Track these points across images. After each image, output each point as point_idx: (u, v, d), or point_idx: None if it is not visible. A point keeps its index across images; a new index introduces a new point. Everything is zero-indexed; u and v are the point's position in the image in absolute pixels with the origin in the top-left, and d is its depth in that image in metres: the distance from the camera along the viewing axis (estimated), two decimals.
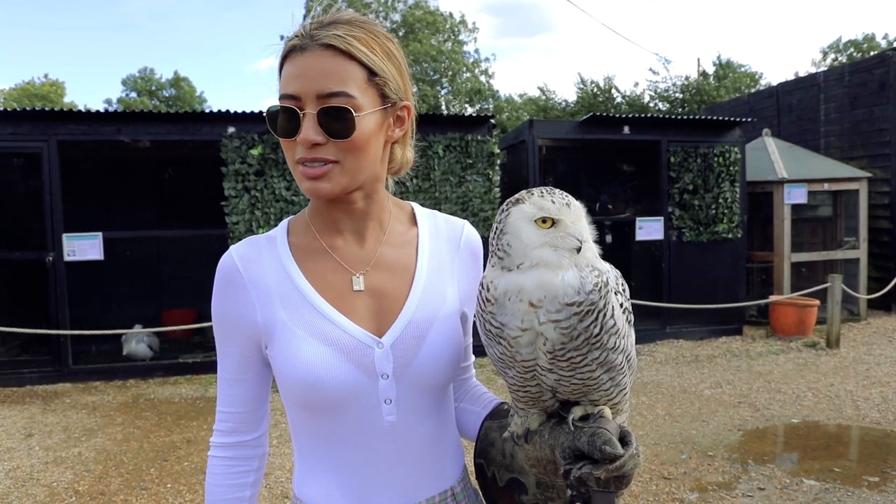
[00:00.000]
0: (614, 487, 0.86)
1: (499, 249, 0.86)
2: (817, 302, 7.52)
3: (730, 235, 7.72)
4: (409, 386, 1.00)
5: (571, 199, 0.86)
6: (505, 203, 0.88)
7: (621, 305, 0.87)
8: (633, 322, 0.92)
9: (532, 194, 0.86)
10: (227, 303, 1.01)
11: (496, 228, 0.87)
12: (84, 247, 6.18)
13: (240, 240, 5.54)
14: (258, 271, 1.00)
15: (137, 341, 6.68)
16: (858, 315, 8.46)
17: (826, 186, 8.36)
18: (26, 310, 6.76)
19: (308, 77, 0.92)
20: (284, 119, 0.94)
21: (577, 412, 0.90)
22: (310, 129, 0.92)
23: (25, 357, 6.75)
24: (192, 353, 7.08)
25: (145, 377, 6.49)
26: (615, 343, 0.85)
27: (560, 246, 0.84)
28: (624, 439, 0.87)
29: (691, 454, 4.21)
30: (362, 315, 1.00)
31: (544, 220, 0.84)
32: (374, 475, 1.00)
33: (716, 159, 7.64)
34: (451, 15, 29.91)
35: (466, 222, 1.15)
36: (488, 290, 0.86)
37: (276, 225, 5.54)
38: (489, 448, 1.06)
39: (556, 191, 0.86)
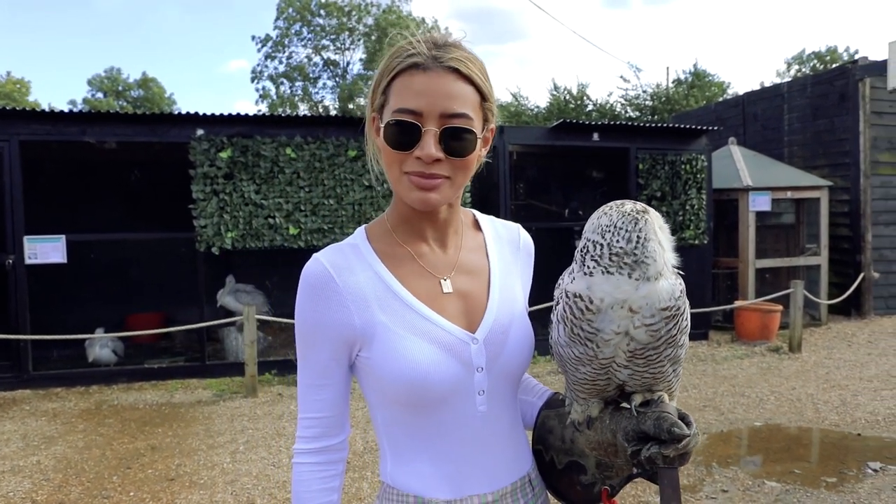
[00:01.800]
0: (678, 463, 0.94)
1: (644, 256, 0.88)
2: (780, 307, 7.70)
3: (696, 242, 7.87)
4: (498, 377, 1.08)
5: None
6: (627, 212, 0.91)
7: (687, 305, 0.95)
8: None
9: (634, 202, 0.92)
10: (320, 308, 1.03)
11: (628, 237, 0.89)
12: (46, 249, 6.04)
13: (208, 243, 5.44)
14: (351, 277, 1.04)
15: (101, 346, 6.54)
16: (820, 320, 8.68)
17: (789, 194, 8.57)
18: None
19: (433, 96, 0.97)
20: (401, 132, 0.98)
21: (637, 399, 0.98)
22: (431, 146, 0.97)
23: None
24: (157, 359, 6.96)
25: (109, 383, 6.35)
26: (683, 340, 0.94)
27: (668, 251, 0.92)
28: (684, 420, 0.94)
29: None
30: (454, 315, 1.07)
31: (661, 227, 0.91)
32: (467, 463, 1.06)
33: (683, 167, 7.78)
34: (423, 20, 29.99)
35: (520, 226, 1.25)
36: (591, 301, 0.90)
37: (244, 228, 5.46)
38: (547, 435, 1.15)
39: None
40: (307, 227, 6.45)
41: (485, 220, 1.21)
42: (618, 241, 0.89)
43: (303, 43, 29.36)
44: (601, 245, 0.90)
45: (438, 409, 1.04)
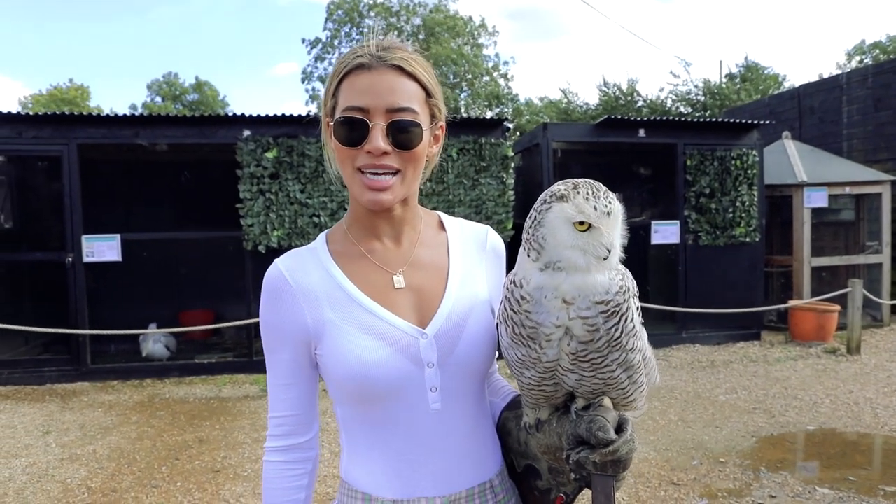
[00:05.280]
0: (611, 471, 0.91)
1: (534, 240, 0.89)
2: (837, 307, 7.39)
3: (747, 239, 7.62)
4: (452, 373, 1.06)
5: (614, 203, 0.88)
6: (548, 194, 0.89)
7: (637, 308, 0.92)
8: (642, 322, 0.96)
9: (578, 193, 0.87)
10: (277, 311, 1.07)
11: (534, 217, 0.90)
12: (102, 248, 6.29)
13: (254, 242, 5.63)
14: (304, 279, 1.07)
15: (154, 341, 6.78)
16: (881, 321, 8.29)
17: (847, 190, 8.21)
18: (50, 310, 6.90)
19: (377, 93, 1.00)
20: (350, 129, 1.02)
21: (579, 402, 0.96)
22: (379, 139, 1.00)
23: (47, 356, 6.89)
24: (207, 354, 7.16)
25: (161, 377, 6.57)
26: (633, 344, 0.90)
27: (589, 252, 0.86)
28: (620, 427, 0.92)
29: (703, 460, 4.16)
30: (405, 310, 1.07)
31: (582, 223, 0.86)
32: (419, 462, 1.05)
33: (733, 162, 7.55)
34: (470, 19, 29.96)
35: (489, 227, 1.24)
36: (521, 286, 0.90)
37: (290, 227, 5.63)
38: (506, 437, 1.14)
39: (601, 192, 0.87)
40: None
41: (450, 221, 1.22)
42: (528, 219, 0.91)
43: (352, 44, 29.75)
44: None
45: (389, 405, 1.04)
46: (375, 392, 1.02)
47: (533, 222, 0.90)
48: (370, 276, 1.08)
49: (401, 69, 1.02)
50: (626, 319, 0.88)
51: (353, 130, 1.01)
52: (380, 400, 1.03)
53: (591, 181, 0.89)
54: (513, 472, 1.14)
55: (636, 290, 0.93)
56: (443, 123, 1.12)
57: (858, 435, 4.62)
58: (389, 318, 1.05)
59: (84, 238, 6.29)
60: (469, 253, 1.17)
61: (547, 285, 0.88)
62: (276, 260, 1.10)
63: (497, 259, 1.21)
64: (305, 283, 1.07)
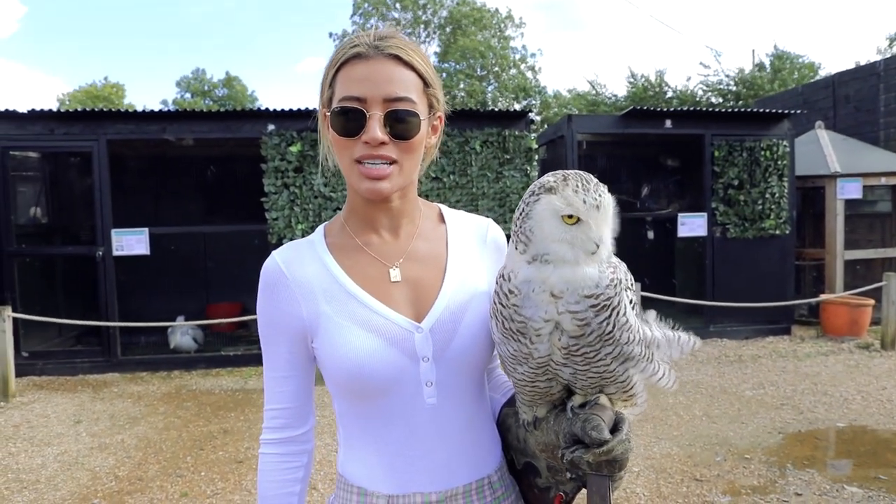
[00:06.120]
0: (606, 471, 0.90)
1: (521, 233, 0.88)
2: (872, 301, 7.20)
3: (777, 232, 7.46)
4: (449, 368, 1.04)
5: (604, 196, 0.86)
6: (537, 185, 0.88)
7: (631, 301, 0.89)
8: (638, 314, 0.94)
9: (567, 185, 0.85)
10: (274, 303, 1.07)
11: (522, 210, 0.89)
12: (131, 242, 6.41)
13: (279, 235, 5.69)
14: (300, 271, 1.06)
15: (182, 334, 6.90)
16: None
17: (884, 181, 7.98)
18: (82, 302, 7.07)
19: (374, 82, 0.99)
20: (347, 119, 1.01)
21: (576, 400, 0.94)
22: (376, 129, 0.99)
23: (79, 347, 7.06)
24: (234, 346, 7.27)
25: (189, 368, 6.69)
26: (627, 338, 0.87)
27: (577, 245, 0.85)
28: (616, 426, 0.90)
29: (727, 456, 4.09)
30: (401, 303, 1.06)
31: (570, 216, 0.85)
32: (415, 457, 1.04)
33: (763, 153, 7.38)
34: (497, 11, 29.76)
35: (491, 220, 1.22)
36: (510, 280, 0.89)
37: (314, 220, 5.65)
38: (506, 434, 1.13)
39: (591, 185, 0.86)
40: None
41: (451, 213, 1.20)
42: (517, 210, 0.89)
43: None
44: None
45: (383, 399, 1.03)
46: (369, 386, 1.01)
47: (521, 214, 0.88)
48: (366, 269, 1.07)
49: (398, 59, 1.01)
50: (618, 313, 0.85)
51: (350, 121, 1.00)
52: (374, 394, 1.02)
53: (581, 173, 0.87)
54: (513, 468, 1.12)
55: (631, 282, 0.90)
56: (441, 114, 1.10)
57: (891, 433, 4.49)
58: (384, 311, 1.04)
59: (113, 232, 6.42)
60: (469, 246, 1.15)
61: (534, 278, 0.86)
62: (273, 252, 1.10)
63: (498, 252, 1.18)
64: (301, 275, 1.06)
